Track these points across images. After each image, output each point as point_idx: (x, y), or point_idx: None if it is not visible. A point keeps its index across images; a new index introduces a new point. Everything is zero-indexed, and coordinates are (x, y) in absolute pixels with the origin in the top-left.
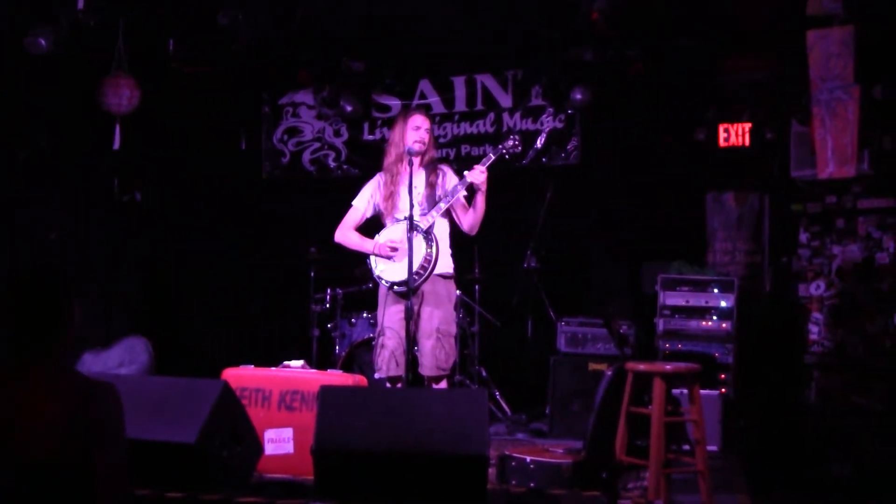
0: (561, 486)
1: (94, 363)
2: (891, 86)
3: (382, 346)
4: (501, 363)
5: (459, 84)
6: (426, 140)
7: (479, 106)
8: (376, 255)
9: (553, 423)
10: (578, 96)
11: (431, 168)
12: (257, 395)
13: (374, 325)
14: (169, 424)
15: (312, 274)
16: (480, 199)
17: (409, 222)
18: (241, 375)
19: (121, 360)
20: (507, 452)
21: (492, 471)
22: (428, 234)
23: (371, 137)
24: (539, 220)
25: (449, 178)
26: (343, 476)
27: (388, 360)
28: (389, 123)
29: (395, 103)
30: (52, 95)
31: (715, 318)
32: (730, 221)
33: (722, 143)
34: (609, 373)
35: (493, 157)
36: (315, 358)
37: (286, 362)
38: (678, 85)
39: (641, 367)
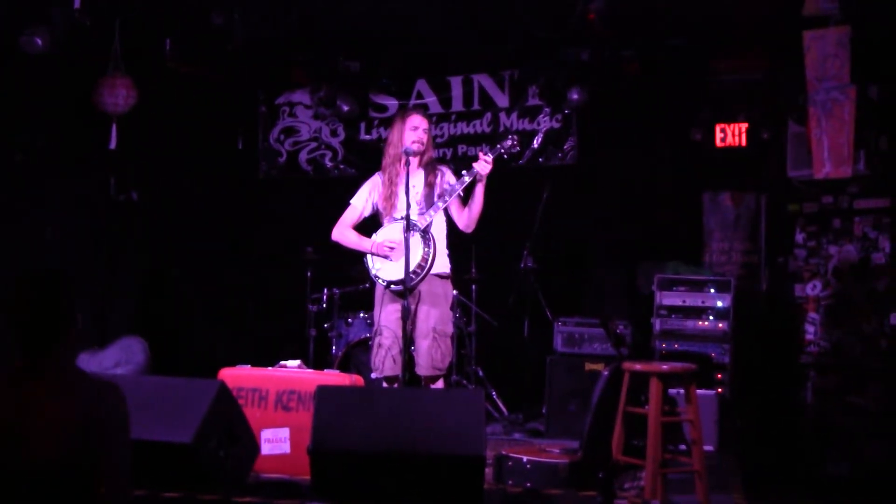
0: (557, 486)
1: (91, 363)
2: (887, 86)
3: (379, 345)
4: (498, 363)
5: (456, 84)
6: (424, 140)
7: (476, 106)
8: (374, 254)
9: (549, 423)
10: (575, 96)
11: (430, 168)
12: (254, 395)
13: (371, 325)
14: (165, 424)
15: (309, 274)
16: (480, 191)
17: (406, 222)
18: (237, 375)
19: (117, 360)
20: (503, 452)
21: (488, 471)
22: (425, 234)
23: (368, 137)
24: (536, 220)
25: (448, 178)
26: (340, 476)
27: (384, 360)
28: (386, 123)
29: (391, 103)
30: (48, 95)
31: (711, 318)
32: (726, 221)
33: (718, 143)
34: (606, 373)
35: (496, 153)
36: (312, 358)
37: (283, 362)
38: (675, 85)
39: (638, 367)
